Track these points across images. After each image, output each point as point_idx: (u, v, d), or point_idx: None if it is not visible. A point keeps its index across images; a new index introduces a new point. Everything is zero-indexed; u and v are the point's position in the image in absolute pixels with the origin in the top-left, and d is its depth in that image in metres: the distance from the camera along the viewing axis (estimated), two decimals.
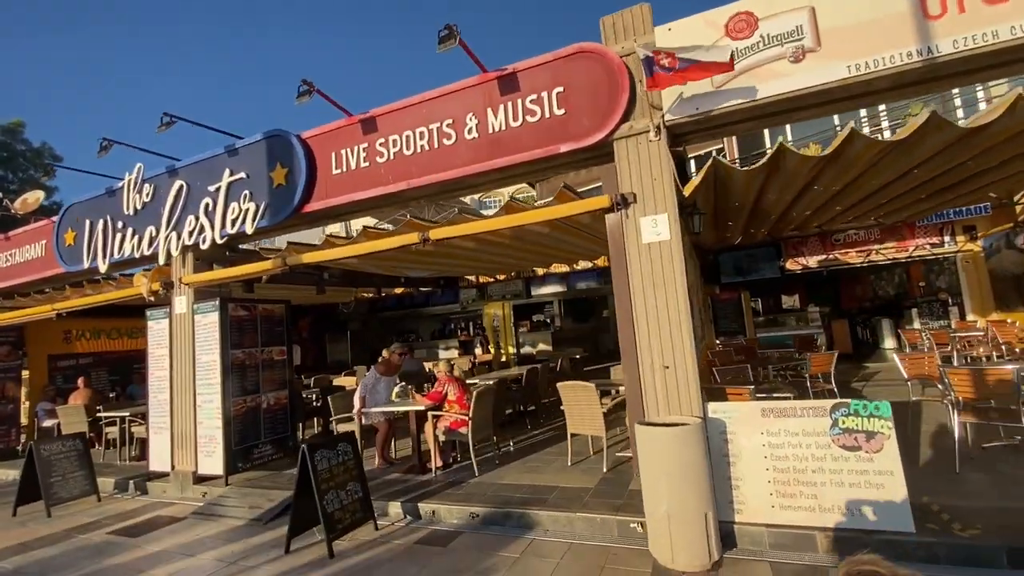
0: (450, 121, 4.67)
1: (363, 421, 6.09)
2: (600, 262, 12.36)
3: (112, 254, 6.69)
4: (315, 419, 8.80)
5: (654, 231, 3.92)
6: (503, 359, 13.61)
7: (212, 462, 5.92)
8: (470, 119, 4.58)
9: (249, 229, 5.57)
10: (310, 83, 4.63)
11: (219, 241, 5.80)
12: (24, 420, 9.27)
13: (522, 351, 14.86)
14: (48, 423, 8.98)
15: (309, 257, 5.33)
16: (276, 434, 6.55)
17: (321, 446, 4.24)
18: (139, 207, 6.50)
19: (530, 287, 14.15)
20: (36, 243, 7.79)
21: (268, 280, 6.82)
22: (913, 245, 11.01)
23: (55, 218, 7.49)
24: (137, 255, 6.45)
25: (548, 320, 15.75)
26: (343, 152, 5.20)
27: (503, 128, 4.45)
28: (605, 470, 5.05)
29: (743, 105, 3.65)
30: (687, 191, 3.78)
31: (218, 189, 5.85)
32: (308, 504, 4.14)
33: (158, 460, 6.38)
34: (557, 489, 4.66)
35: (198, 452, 6.02)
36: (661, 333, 3.87)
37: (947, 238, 10.79)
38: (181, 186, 6.14)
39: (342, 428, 6.21)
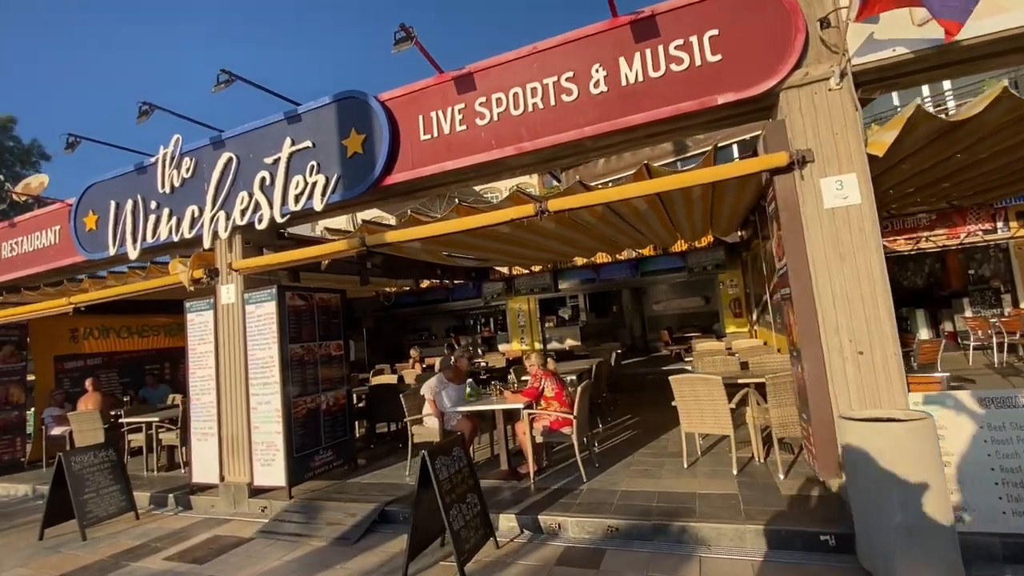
0: (570, 74, 4.05)
1: (443, 424, 5.42)
2: (646, 251, 11.88)
3: (144, 238, 5.90)
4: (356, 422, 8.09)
5: (839, 194, 3.35)
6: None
7: (271, 472, 5.20)
8: (596, 71, 3.96)
9: (318, 205, 4.87)
10: (409, 28, 3.96)
11: (279, 220, 5.08)
12: (30, 428, 8.35)
13: (548, 347, 14.26)
14: (57, 431, 8.10)
15: (393, 236, 4.66)
16: (336, 439, 5.84)
17: (440, 451, 3.58)
18: (177, 184, 5.73)
19: (558, 280, 13.56)
20: (48, 229, 6.93)
21: (304, 270, 6.14)
22: (965, 232, 10.69)
23: (71, 200, 6.65)
24: (176, 238, 5.68)
25: (574, 314, 15.17)
26: (433, 115, 4.53)
27: (640, 80, 3.84)
28: (735, 472, 4.50)
29: (961, 44, 3.10)
30: (880, 149, 3.21)
31: (277, 161, 5.13)
32: (427, 520, 3.49)
33: (203, 470, 5.63)
34: (696, 496, 4.07)
35: (253, 460, 5.29)
36: (853, 313, 3.31)
37: (1000, 224, 10.50)
38: (230, 159, 5.40)
39: (417, 431, 5.53)
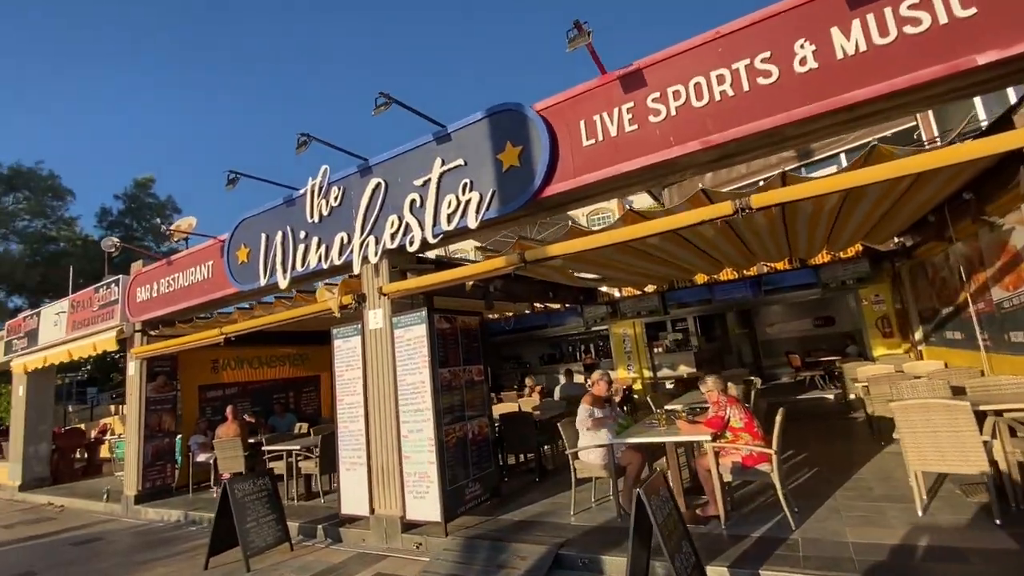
0: (766, 54, 3.58)
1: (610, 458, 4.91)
2: (779, 265, 10.87)
3: (294, 267, 6.06)
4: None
5: None
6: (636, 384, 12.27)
7: (424, 505, 4.93)
8: (802, 47, 3.47)
9: (472, 223, 4.69)
10: (582, 24, 3.71)
11: (432, 240, 4.96)
12: (177, 455, 8.83)
13: (658, 374, 13.36)
14: (202, 457, 8.49)
15: (558, 249, 4.33)
16: (482, 470, 5.51)
17: (651, 490, 3.08)
18: (326, 213, 5.85)
19: (666, 302, 12.76)
20: (202, 265, 7.41)
21: (443, 294, 5.95)
22: None
23: (224, 236, 7.07)
24: (325, 265, 5.77)
25: (684, 338, 14.18)
26: (597, 118, 4.23)
27: (861, 50, 3.30)
28: (998, 522, 3.58)
29: None
30: None
31: (426, 183, 5.06)
32: (638, 567, 2.98)
33: (352, 501, 5.48)
34: (968, 553, 3.23)
35: (405, 493, 5.06)
36: None
37: None
38: (378, 184, 5.42)
39: (579, 466, 5.06)
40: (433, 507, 4.87)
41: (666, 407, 5.76)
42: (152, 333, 8.44)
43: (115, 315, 8.64)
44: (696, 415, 4.75)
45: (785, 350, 15.80)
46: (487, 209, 4.63)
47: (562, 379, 10.98)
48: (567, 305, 12.03)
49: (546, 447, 7.21)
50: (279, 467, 7.38)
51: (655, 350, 13.69)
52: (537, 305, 12.13)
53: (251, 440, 8.35)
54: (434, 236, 4.94)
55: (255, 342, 9.85)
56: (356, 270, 5.49)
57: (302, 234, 6.06)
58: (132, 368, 8.47)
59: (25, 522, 8.29)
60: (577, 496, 5.04)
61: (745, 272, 11.41)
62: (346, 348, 5.79)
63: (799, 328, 16.25)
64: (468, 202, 4.73)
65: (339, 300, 5.63)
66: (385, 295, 5.39)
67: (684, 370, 13.25)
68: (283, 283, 6.15)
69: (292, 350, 11.12)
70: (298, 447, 6.89)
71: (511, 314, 14.72)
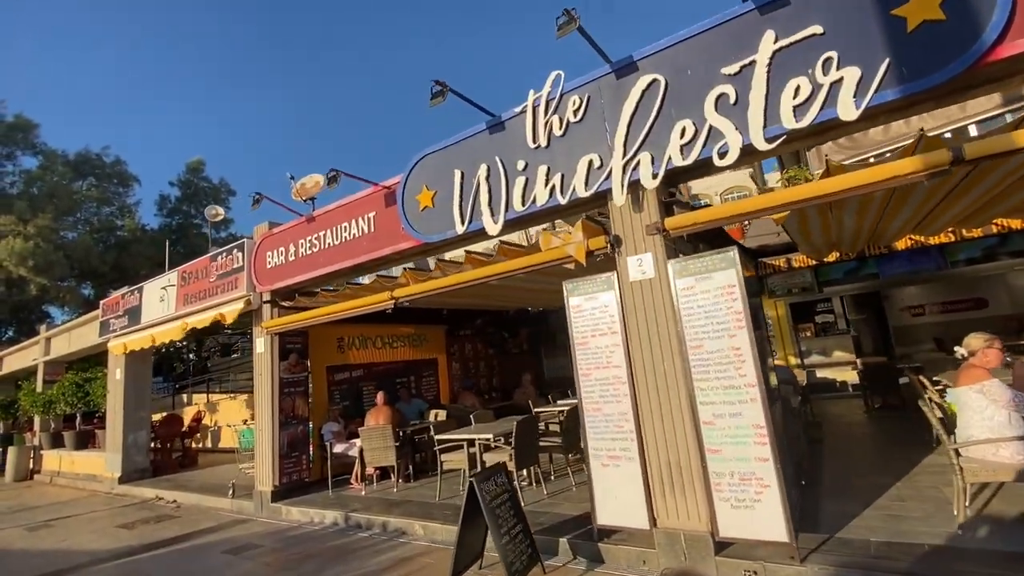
0: None
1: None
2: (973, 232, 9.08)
3: (510, 206, 4.73)
4: None
5: None
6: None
7: (753, 518, 3.51)
8: None
9: (848, 112, 3.24)
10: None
11: (763, 146, 3.53)
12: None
13: (806, 361, 11.69)
14: (339, 448, 7.33)
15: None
16: (800, 468, 4.06)
17: None
18: (558, 132, 4.49)
19: (819, 278, 11.07)
20: (359, 219, 6.17)
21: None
22: None
23: (391, 181, 5.81)
24: (562, 200, 4.41)
25: (836, 321, 12.43)
26: None
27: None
28: None
29: None
30: None
31: (745, 67, 3.63)
32: None
33: (614, 509, 4.12)
34: None
35: (714, 500, 3.66)
36: None
37: None
38: (652, 83, 4.02)
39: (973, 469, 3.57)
40: (771, 521, 3.45)
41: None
42: (284, 304, 7.30)
43: (239, 285, 7.53)
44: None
45: (932, 336, 13.82)
46: (878, 87, 3.17)
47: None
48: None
49: None
50: (450, 461, 6.12)
51: (803, 334, 12.04)
52: None
53: (408, 429, 7.16)
54: (768, 139, 3.51)
55: (377, 320, 8.66)
56: (618, 200, 4.10)
57: (520, 164, 4.72)
58: (261, 345, 7.34)
59: (144, 521, 7.27)
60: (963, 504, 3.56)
61: (924, 239, 9.56)
62: (589, 308, 4.42)
63: (943, 312, 14.28)
64: (838, 83, 3.28)
65: (584, 244, 4.26)
66: (664, 232, 3.98)
67: (839, 356, 11.55)
68: (493, 228, 4.83)
69: (410, 329, 9.92)
70: (488, 436, 5.59)
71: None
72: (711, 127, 3.73)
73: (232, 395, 16.60)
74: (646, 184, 3.97)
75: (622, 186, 4.06)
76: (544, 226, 5.89)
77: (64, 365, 14.80)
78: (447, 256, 5.82)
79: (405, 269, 5.93)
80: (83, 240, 20.71)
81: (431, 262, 5.87)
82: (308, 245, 6.76)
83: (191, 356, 23.52)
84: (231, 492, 7.54)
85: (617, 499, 4.11)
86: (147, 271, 19.16)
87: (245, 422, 8.31)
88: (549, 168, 4.53)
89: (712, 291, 3.81)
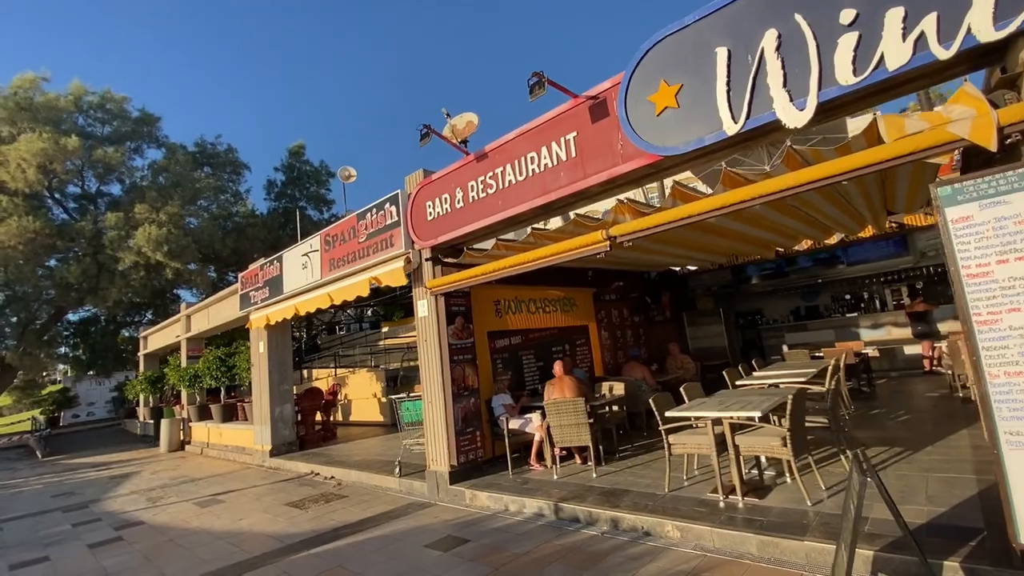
0: None
1: None
2: None
3: (825, 81, 3.26)
4: None
5: None
6: None
7: None
8: None
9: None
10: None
11: None
12: None
13: None
14: (516, 424, 6.34)
15: None
16: None
17: None
18: None
19: None
20: (550, 143, 4.95)
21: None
22: None
23: (603, 87, 4.51)
24: (945, 52, 2.86)
25: None
26: None
27: None
28: None
29: None
30: None
31: None
32: None
33: None
34: None
35: None
36: None
37: None
38: None
39: None
40: None
41: None
42: (448, 261, 6.34)
43: (395, 242, 6.67)
44: None
45: None
46: None
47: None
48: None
49: None
50: (682, 445, 4.85)
51: None
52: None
53: (594, 403, 6.01)
54: None
55: (529, 280, 7.53)
56: None
57: (846, 16, 3.21)
58: (424, 307, 6.46)
59: (312, 500, 6.75)
60: None
61: None
62: (992, 220, 2.85)
63: None
64: None
65: (993, 117, 2.70)
66: None
67: None
68: (796, 117, 3.37)
69: (560, 292, 8.75)
70: (756, 412, 4.22)
71: (782, 250, 11.15)
72: None
73: (351, 369, 16.64)
74: None
75: None
76: (860, 114, 4.33)
77: (203, 341, 15.39)
78: (673, 180, 4.46)
79: (619, 201, 4.65)
80: (207, 226, 21.70)
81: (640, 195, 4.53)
82: (480, 187, 5.67)
83: (302, 335, 24.27)
84: (398, 471, 6.84)
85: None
86: (260, 254, 19.74)
87: (408, 395, 7.55)
88: (907, 10, 2.98)
89: None
